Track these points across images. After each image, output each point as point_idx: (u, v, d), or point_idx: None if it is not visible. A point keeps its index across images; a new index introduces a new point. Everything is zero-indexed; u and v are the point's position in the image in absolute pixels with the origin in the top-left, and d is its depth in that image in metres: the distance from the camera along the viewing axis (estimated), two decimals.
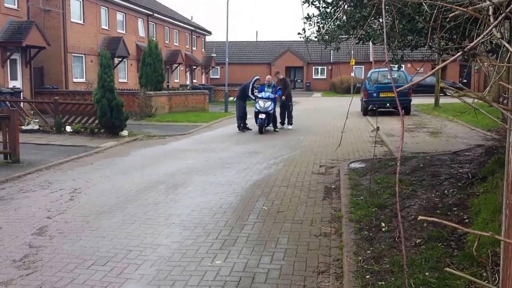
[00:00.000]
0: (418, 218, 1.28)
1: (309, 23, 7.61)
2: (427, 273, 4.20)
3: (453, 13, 1.77)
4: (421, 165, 8.63)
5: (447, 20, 3.30)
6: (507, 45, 2.09)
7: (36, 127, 14.75)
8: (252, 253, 5.05)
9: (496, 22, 1.60)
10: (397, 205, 2.24)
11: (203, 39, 46.96)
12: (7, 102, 15.74)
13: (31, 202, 7.12)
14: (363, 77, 39.32)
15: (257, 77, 16.53)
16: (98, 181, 8.50)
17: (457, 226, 1.21)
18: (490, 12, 2.09)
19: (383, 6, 1.62)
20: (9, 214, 6.53)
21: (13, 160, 10.02)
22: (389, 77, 20.08)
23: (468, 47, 1.66)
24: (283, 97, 16.15)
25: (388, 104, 19.85)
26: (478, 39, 1.61)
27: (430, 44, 6.40)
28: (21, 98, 18.14)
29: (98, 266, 4.74)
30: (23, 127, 14.10)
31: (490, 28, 1.51)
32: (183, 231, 5.76)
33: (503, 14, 1.82)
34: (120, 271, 4.62)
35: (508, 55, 3.29)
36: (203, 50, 46.59)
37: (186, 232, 5.74)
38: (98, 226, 5.97)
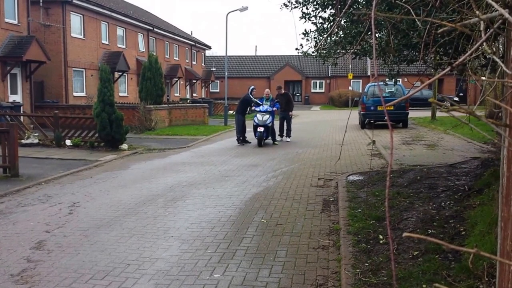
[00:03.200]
0: (403, 235, 1.31)
1: (307, 39, 7.72)
2: (424, 286, 4.22)
3: (442, 29, 1.83)
4: (418, 177, 8.67)
5: (439, 35, 3.37)
6: (498, 60, 2.15)
7: (36, 141, 14.80)
8: (251, 266, 5.06)
9: (484, 38, 1.66)
10: (387, 220, 2.27)
11: (202, 53, 47.32)
12: (7, 116, 15.80)
13: (29, 216, 7.13)
14: (361, 91, 39.49)
15: (253, 86, 16.71)
16: (97, 194, 8.52)
17: (442, 242, 1.25)
18: (482, 28, 2.15)
19: (372, 22, 1.67)
20: (8, 228, 6.54)
21: (12, 174, 10.04)
22: (385, 91, 20.22)
23: (456, 63, 1.72)
24: (290, 113, 16.45)
25: (385, 117, 19.92)
26: (466, 55, 1.67)
27: (424, 58, 6.48)
28: (21, 112, 18.22)
29: (96, 280, 4.75)
30: (22, 141, 14.15)
31: (477, 44, 1.57)
32: (181, 245, 5.77)
33: (491, 30, 1.88)
34: (118, 285, 4.63)
35: (499, 70, 3.35)
36: (203, 64, 46.92)
37: (184, 245, 5.75)
38: (96, 240, 5.98)
